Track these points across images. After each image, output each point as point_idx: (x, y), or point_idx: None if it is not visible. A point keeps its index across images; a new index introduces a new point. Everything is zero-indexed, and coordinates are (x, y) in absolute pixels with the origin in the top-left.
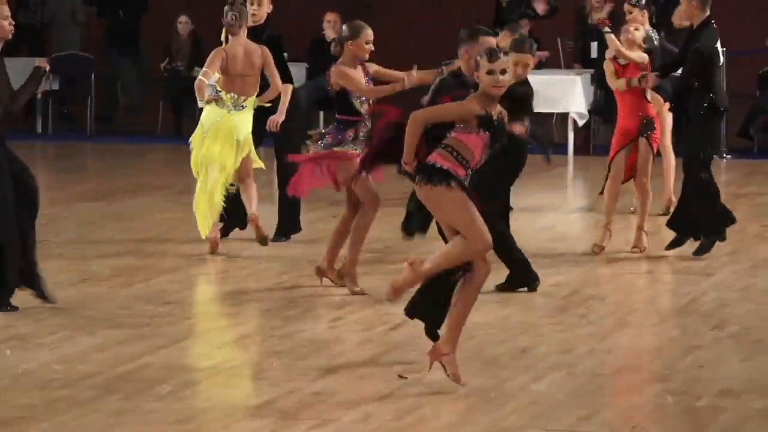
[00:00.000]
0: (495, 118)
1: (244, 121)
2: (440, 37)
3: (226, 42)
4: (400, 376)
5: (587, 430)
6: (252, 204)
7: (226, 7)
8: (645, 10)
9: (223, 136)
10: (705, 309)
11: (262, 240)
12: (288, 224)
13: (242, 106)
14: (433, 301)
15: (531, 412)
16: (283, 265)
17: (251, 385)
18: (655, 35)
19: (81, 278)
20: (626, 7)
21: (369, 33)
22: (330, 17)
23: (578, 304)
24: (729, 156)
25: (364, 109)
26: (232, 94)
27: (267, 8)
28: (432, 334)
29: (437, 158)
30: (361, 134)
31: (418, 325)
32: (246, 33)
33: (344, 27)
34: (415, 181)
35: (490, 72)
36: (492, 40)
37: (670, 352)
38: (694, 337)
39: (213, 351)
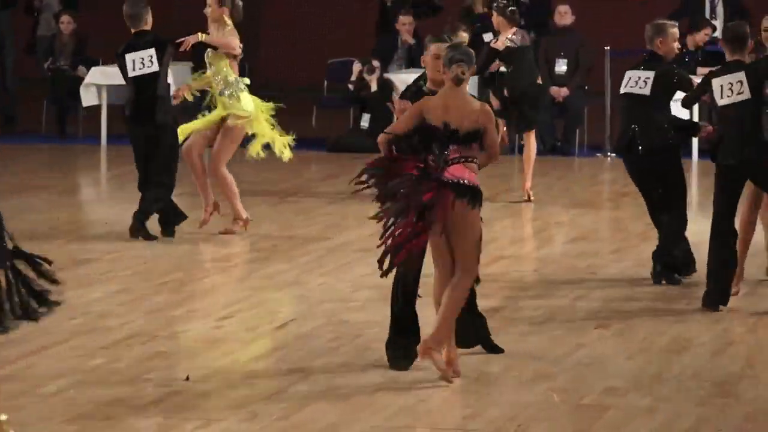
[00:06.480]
0: None
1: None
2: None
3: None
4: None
5: (473, 429)
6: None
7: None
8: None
9: None
10: (590, 307)
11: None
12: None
13: None
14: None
15: (417, 410)
16: (169, 265)
17: (137, 385)
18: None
19: None
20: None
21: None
22: None
23: None
24: (613, 155)
25: None
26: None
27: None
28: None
29: (472, 176)
30: None
31: (304, 325)
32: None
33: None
34: (458, 200)
35: None
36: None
37: (556, 351)
38: (579, 335)
39: (98, 351)
